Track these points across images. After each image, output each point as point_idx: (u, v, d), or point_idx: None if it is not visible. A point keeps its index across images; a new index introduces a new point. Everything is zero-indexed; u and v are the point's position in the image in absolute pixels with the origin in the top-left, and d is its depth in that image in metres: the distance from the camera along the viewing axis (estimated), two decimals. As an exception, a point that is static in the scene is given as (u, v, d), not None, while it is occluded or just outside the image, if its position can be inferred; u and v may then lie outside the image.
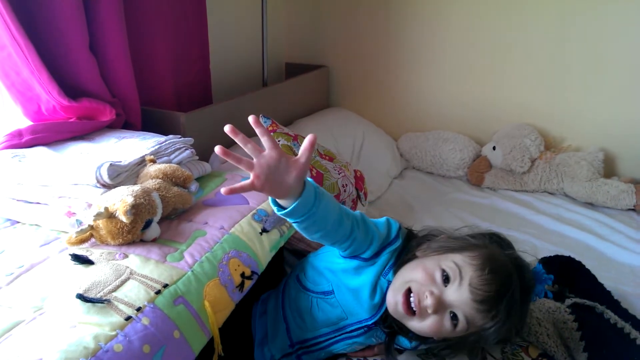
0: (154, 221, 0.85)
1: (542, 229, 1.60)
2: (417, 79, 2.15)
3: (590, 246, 1.51)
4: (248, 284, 0.87)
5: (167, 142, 1.05)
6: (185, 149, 1.07)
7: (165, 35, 1.40)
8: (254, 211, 0.98)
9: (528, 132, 1.89)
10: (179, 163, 1.03)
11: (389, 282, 0.86)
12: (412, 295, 0.80)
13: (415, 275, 0.81)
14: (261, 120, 1.42)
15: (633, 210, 1.74)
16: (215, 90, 1.70)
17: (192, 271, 0.80)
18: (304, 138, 1.48)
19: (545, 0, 1.84)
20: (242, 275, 0.86)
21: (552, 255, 1.23)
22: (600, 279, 1.22)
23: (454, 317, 0.79)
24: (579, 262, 1.22)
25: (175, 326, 0.72)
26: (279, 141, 1.35)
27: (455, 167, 1.99)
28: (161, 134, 1.15)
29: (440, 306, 0.78)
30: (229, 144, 1.53)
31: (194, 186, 0.96)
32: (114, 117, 1.17)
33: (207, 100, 1.61)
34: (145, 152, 0.99)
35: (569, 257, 1.23)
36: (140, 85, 1.32)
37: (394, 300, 0.82)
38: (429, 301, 0.77)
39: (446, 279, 0.79)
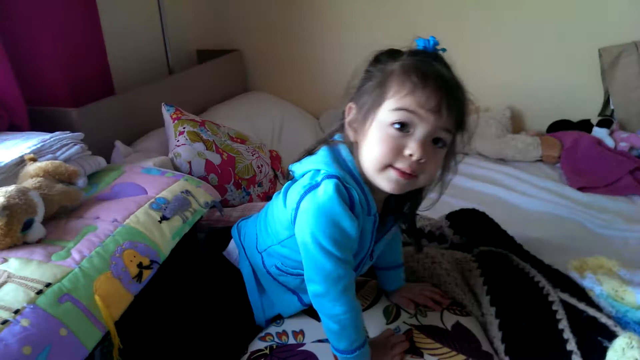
0: (36, 221, 0.81)
1: (456, 188, 1.66)
2: (333, 54, 2.16)
3: (500, 198, 1.60)
4: (147, 273, 0.85)
5: (52, 140, 0.99)
6: (74, 145, 1.01)
7: (50, 29, 1.32)
8: (152, 200, 0.95)
9: (440, 98, 1.95)
10: (67, 159, 0.98)
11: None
12: (396, 168, 0.74)
13: (379, 149, 0.74)
14: (164, 108, 1.38)
15: (540, 161, 1.85)
16: (119, 82, 1.63)
17: (79, 267, 0.76)
18: (213, 123, 1.47)
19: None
20: (140, 265, 0.84)
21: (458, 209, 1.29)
22: (510, 227, 1.29)
23: (436, 140, 0.75)
24: (483, 213, 1.28)
25: (61, 324, 0.69)
26: (184, 128, 1.31)
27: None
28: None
29: (426, 146, 0.74)
30: (130, 137, 1.48)
31: (81, 181, 0.92)
32: (-6, 119, 1.09)
33: (109, 93, 1.54)
34: (25, 151, 0.93)
35: (473, 209, 1.29)
36: (25, 83, 1.24)
37: (394, 184, 0.76)
38: (417, 153, 0.73)
39: (402, 126, 0.73)
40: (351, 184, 0.78)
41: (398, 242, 1.02)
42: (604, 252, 1.19)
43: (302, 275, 0.84)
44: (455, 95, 0.74)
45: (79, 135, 1.06)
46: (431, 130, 0.74)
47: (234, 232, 1.02)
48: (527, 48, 1.94)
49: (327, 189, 0.75)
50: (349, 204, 0.77)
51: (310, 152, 0.84)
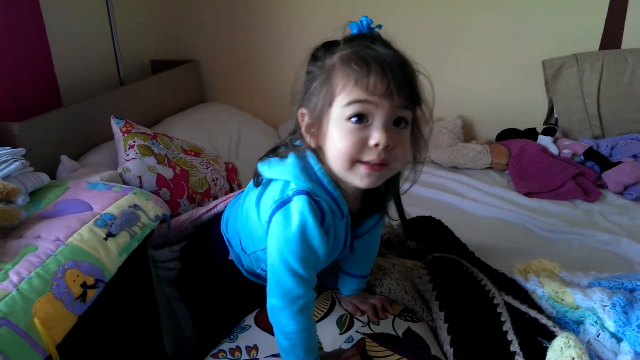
0: (-30, 242, 0.77)
1: (411, 196, 1.66)
2: (291, 63, 2.15)
3: (452, 205, 1.64)
4: (92, 293, 0.82)
5: (-11, 156, 0.96)
6: (14, 161, 0.98)
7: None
8: (98, 216, 0.93)
9: (394, 108, 2.00)
10: (7, 177, 0.94)
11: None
12: (365, 162, 0.73)
13: (342, 147, 0.72)
14: (113, 121, 1.35)
15: (490, 168, 1.92)
16: (68, 94, 1.59)
17: (17, 290, 0.74)
18: (165, 136, 1.45)
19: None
20: (84, 285, 0.82)
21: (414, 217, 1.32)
22: (462, 234, 1.33)
23: (397, 121, 0.73)
24: (438, 220, 1.32)
25: (-4, 351, 0.66)
26: (134, 142, 1.29)
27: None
28: (-4, 148, 1.04)
29: (390, 131, 0.71)
30: (78, 151, 1.44)
31: (21, 199, 0.89)
32: None
33: (56, 105, 1.49)
34: (-40, 168, 0.89)
35: (430, 216, 1.32)
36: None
37: (367, 179, 0.74)
38: (382, 141, 0.70)
39: (360, 118, 0.71)
40: (321, 195, 0.77)
41: (373, 254, 1.03)
42: (549, 255, 1.24)
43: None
44: (402, 73, 0.71)
45: (20, 150, 1.02)
46: (390, 114, 0.71)
47: (225, 234, 1.00)
48: (477, 61, 2.02)
49: (298, 205, 0.75)
50: (320, 215, 0.76)
51: (276, 153, 0.82)
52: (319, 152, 0.78)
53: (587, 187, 1.69)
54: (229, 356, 0.93)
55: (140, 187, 1.21)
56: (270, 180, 0.83)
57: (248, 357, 0.92)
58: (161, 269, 1.18)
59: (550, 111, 2.01)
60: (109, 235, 0.90)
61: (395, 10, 2.00)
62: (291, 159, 0.79)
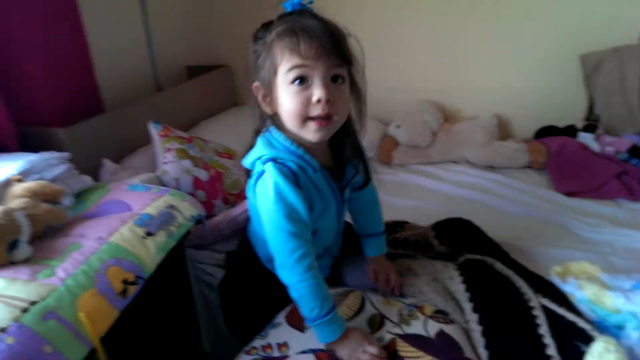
0: (22, 241, 0.83)
1: (444, 196, 1.69)
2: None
3: (488, 205, 1.61)
4: (133, 289, 0.86)
5: (39, 160, 1.02)
6: (61, 164, 1.04)
7: (37, 49, 1.35)
8: (137, 216, 0.97)
9: (427, 108, 1.99)
10: (54, 179, 1.00)
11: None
12: (313, 117, 0.85)
13: (291, 107, 0.85)
14: (151, 126, 1.41)
15: (528, 167, 1.87)
16: (110, 100, 1.66)
17: (64, 285, 0.78)
18: (200, 139, 1.49)
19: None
20: (125, 281, 0.86)
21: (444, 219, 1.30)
22: (498, 234, 1.30)
23: (334, 78, 0.85)
24: (468, 221, 1.29)
25: (45, 341, 0.70)
26: (171, 145, 1.33)
27: (365, 149, 2.04)
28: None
29: (329, 87, 0.84)
30: (119, 155, 1.51)
31: (67, 200, 0.94)
32: (-18, 140, 1.12)
33: (99, 111, 1.57)
34: (11, 172, 0.95)
35: (459, 218, 1.30)
36: (14, 104, 1.26)
37: (317, 134, 0.86)
38: (323, 95, 0.82)
39: (301, 80, 0.84)
40: (285, 157, 0.89)
41: (377, 210, 1.12)
42: (591, 257, 1.20)
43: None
44: (328, 37, 0.83)
45: (66, 155, 1.08)
46: (325, 72, 0.84)
47: (250, 238, 1.10)
48: (512, 56, 1.98)
49: (269, 172, 0.87)
50: (291, 174, 0.88)
51: (252, 145, 0.95)
52: (276, 120, 0.91)
53: (632, 185, 1.62)
54: (261, 352, 0.95)
55: (178, 189, 1.25)
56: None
57: (279, 354, 0.94)
58: (200, 270, 1.22)
59: (590, 107, 1.93)
60: (148, 234, 0.94)
61: (425, 9, 1.98)
62: (258, 140, 0.93)
